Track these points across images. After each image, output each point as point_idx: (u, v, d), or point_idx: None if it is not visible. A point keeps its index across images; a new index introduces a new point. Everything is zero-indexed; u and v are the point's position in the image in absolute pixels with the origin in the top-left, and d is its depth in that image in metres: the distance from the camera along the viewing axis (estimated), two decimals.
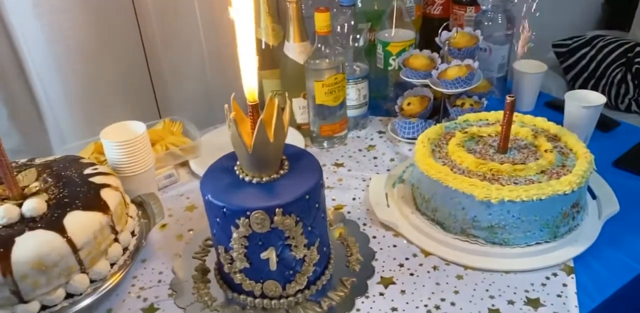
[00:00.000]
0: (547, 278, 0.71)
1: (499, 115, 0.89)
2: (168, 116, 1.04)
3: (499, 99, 1.13)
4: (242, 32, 0.59)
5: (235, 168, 0.67)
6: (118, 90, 1.04)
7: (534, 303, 0.68)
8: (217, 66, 1.13)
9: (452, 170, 0.77)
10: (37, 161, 0.75)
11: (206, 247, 0.79)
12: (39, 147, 1.01)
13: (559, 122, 0.89)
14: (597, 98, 0.95)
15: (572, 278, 0.71)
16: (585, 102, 0.94)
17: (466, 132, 0.85)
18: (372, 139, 1.05)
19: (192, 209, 0.88)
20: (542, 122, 0.87)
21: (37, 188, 0.68)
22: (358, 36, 1.03)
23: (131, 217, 0.73)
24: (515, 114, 0.83)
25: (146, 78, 1.08)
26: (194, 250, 0.78)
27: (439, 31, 1.02)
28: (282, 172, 0.66)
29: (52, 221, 0.63)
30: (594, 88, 1.48)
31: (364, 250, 0.78)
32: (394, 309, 0.68)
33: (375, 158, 0.99)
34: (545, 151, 0.79)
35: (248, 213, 0.61)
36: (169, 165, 0.94)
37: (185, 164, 0.98)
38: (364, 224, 0.83)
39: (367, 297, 0.70)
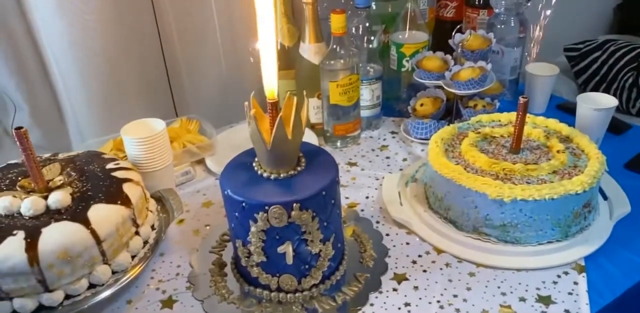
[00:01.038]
0: (559, 276, 0.72)
1: (511, 116, 0.90)
2: (184, 115, 1.06)
3: (510, 101, 1.14)
4: (264, 32, 0.61)
5: (254, 164, 0.68)
6: (136, 89, 1.07)
7: (546, 300, 0.69)
8: (233, 67, 1.16)
9: (465, 169, 0.78)
10: (61, 156, 0.77)
11: (223, 241, 0.80)
12: (59, 144, 1.04)
13: (571, 124, 0.90)
14: (609, 100, 0.96)
15: (583, 276, 0.72)
16: (597, 104, 0.95)
17: (479, 133, 0.86)
18: (384, 139, 1.07)
19: (208, 205, 0.90)
20: (554, 123, 0.88)
21: (62, 181, 0.70)
22: (372, 38, 1.05)
23: (151, 211, 0.75)
24: (528, 115, 0.84)
25: (164, 78, 1.10)
26: (210, 244, 0.80)
27: (453, 33, 1.04)
28: (299, 168, 0.68)
29: (77, 213, 0.65)
30: (605, 92, 1.48)
31: (377, 247, 0.79)
32: (407, 304, 0.69)
33: (387, 158, 1.01)
34: (558, 152, 0.80)
35: (266, 207, 0.63)
36: (185, 163, 0.96)
37: (201, 162, 1.00)
38: (377, 222, 0.84)
39: (380, 292, 0.71)
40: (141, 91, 1.07)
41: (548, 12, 0.97)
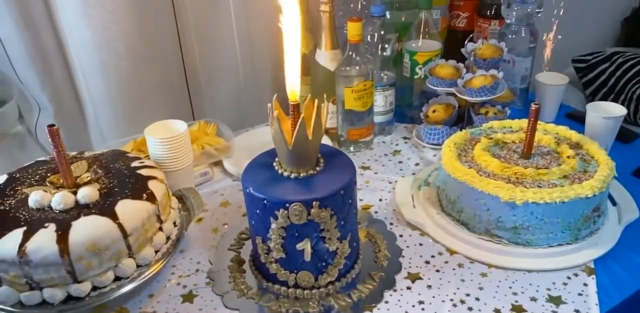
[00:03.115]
0: (569, 278, 0.74)
1: (522, 123, 0.92)
2: (201, 119, 1.09)
3: (520, 110, 1.17)
4: (289, 38, 0.64)
5: (274, 164, 0.71)
6: (156, 93, 1.09)
7: (556, 300, 0.71)
8: (249, 75, 1.19)
9: (477, 173, 0.80)
10: (87, 154, 0.80)
11: (240, 240, 0.83)
12: (80, 144, 1.06)
13: (580, 132, 0.92)
14: (618, 109, 0.98)
15: (593, 278, 0.74)
16: (606, 113, 0.97)
17: (491, 138, 0.88)
18: (397, 145, 1.09)
19: (226, 205, 0.92)
20: (564, 130, 0.91)
21: (89, 178, 0.73)
22: (386, 46, 1.08)
23: (173, 208, 0.78)
24: (539, 122, 0.86)
25: (183, 83, 1.13)
26: (229, 242, 0.83)
27: (465, 42, 1.06)
28: (318, 168, 0.70)
29: (105, 208, 0.67)
30: None
31: (391, 248, 0.81)
32: (421, 302, 0.71)
33: (400, 162, 1.03)
34: (568, 157, 0.82)
35: (287, 205, 0.65)
36: (203, 164, 0.99)
37: (218, 163, 1.02)
38: (391, 224, 0.87)
39: (395, 291, 0.73)
40: (161, 95, 1.10)
41: (559, 22, 1.00)
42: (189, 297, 0.73)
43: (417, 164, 1.02)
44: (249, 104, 1.22)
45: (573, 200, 0.74)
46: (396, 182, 0.95)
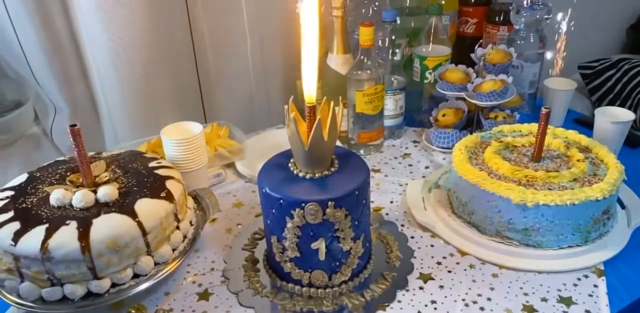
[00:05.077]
0: (579, 279, 0.75)
1: (531, 127, 0.94)
2: (212, 121, 1.10)
3: (528, 115, 1.18)
4: (307, 40, 0.65)
5: (290, 165, 0.72)
6: (169, 96, 1.11)
7: (567, 301, 0.72)
8: (261, 78, 1.21)
9: (489, 175, 0.81)
10: (104, 154, 0.82)
11: (254, 239, 0.84)
12: (94, 145, 1.08)
13: (588, 137, 0.93)
14: (626, 114, 0.99)
15: (603, 280, 0.75)
16: (614, 118, 0.98)
17: (501, 142, 0.90)
18: (407, 148, 1.10)
19: (239, 206, 0.93)
20: (573, 134, 0.92)
21: (107, 177, 0.74)
22: (396, 51, 1.09)
23: (189, 208, 0.79)
24: (548, 126, 0.87)
25: (196, 87, 1.15)
26: (243, 242, 0.84)
27: (475, 47, 1.08)
28: (332, 169, 0.71)
29: (124, 206, 0.69)
30: None
31: (403, 249, 0.82)
32: (433, 302, 0.72)
33: (410, 165, 1.04)
34: (578, 161, 0.83)
35: (303, 204, 0.67)
36: (216, 166, 1.00)
37: (231, 165, 1.04)
38: (402, 225, 0.88)
39: (407, 290, 0.74)
40: (174, 98, 1.12)
41: (567, 29, 1.02)
42: (204, 295, 0.74)
43: (427, 167, 1.03)
44: (260, 108, 1.24)
45: (583, 203, 0.76)
46: (406, 184, 0.97)
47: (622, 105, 1.54)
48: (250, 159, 1.03)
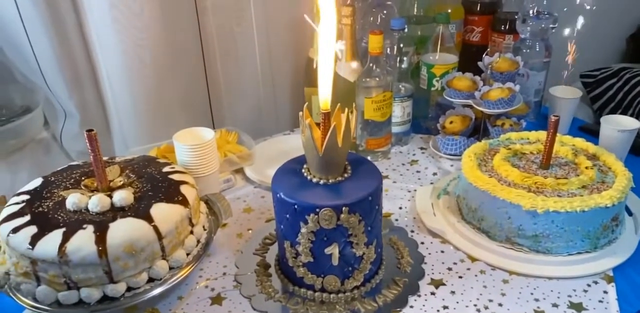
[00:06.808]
0: (589, 285, 0.76)
1: (539, 134, 0.95)
2: (221, 128, 1.11)
3: (533, 123, 1.20)
4: (324, 48, 0.66)
5: (303, 170, 0.73)
6: (179, 102, 1.12)
7: (577, 307, 0.72)
8: (269, 86, 1.22)
9: (498, 182, 0.82)
10: (118, 159, 0.82)
11: (265, 244, 0.84)
12: (104, 151, 1.08)
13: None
14: (631, 123, 1.01)
15: (612, 286, 0.76)
16: (620, 126, 1.00)
17: (510, 149, 0.91)
18: (414, 154, 1.11)
19: (249, 211, 0.94)
20: (580, 142, 0.93)
21: (122, 182, 0.75)
22: (404, 58, 1.11)
23: (202, 213, 0.80)
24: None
25: (204, 93, 1.16)
26: (254, 247, 0.84)
27: (483, 56, 1.09)
28: (346, 175, 0.72)
29: (140, 210, 0.69)
30: None
31: (414, 254, 0.83)
32: (445, 307, 0.73)
33: (418, 171, 1.05)
34: (586, 168, 0.84)
35: (317, 210, 0.67)
36: (226, 171, 1.01)
37: (239, 171, 1.04)
38: (412, 231, 0.88)
39: (419, 296, 0.75)
40: (183, 105, 1.13)
41: (573, 37, 1.03)
42: (217, 299, 0.75)
43: (434, 174, 1.04)
44: (267, 114, 1.25)
45: (593, 210, 0.76)
46: (415, 190, 0.97)
47: (623, 113, 1.55)
48: (259, 165, 1.04)
